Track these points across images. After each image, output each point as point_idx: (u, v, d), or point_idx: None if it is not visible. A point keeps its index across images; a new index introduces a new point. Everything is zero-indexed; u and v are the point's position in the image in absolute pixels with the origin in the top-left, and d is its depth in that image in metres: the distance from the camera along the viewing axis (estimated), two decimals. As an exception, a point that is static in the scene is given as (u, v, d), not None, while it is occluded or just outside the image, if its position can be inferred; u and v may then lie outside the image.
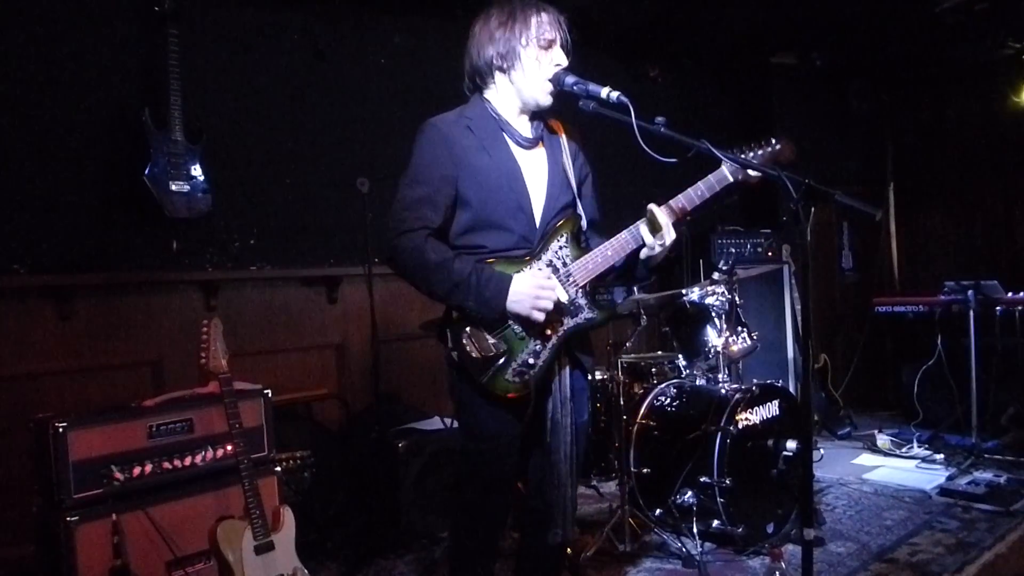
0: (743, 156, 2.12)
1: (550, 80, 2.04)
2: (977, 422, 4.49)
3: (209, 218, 3.48)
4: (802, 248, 1.85)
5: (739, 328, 3.64)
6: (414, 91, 4.27)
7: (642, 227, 2.07)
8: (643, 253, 2.10)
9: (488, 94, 2.13)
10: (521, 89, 2.07)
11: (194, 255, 3.59)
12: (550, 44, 2.05)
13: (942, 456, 4.49)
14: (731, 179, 2.07)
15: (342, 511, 3.56)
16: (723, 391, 3.42)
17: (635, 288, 3.89)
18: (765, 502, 3.29)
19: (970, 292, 4.62)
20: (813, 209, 1.80)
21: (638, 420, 3.55)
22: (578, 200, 2.16)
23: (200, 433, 2.65)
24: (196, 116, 3.43)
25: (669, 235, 2.04)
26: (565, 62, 2.06)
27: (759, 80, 6.03)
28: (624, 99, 1.94)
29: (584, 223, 2.16)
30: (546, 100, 2.08)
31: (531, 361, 2.00)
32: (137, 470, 2.48)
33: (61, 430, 2.35)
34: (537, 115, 2.17)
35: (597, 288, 2.16)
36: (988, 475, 4.09)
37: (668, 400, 3.61)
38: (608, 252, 2.07)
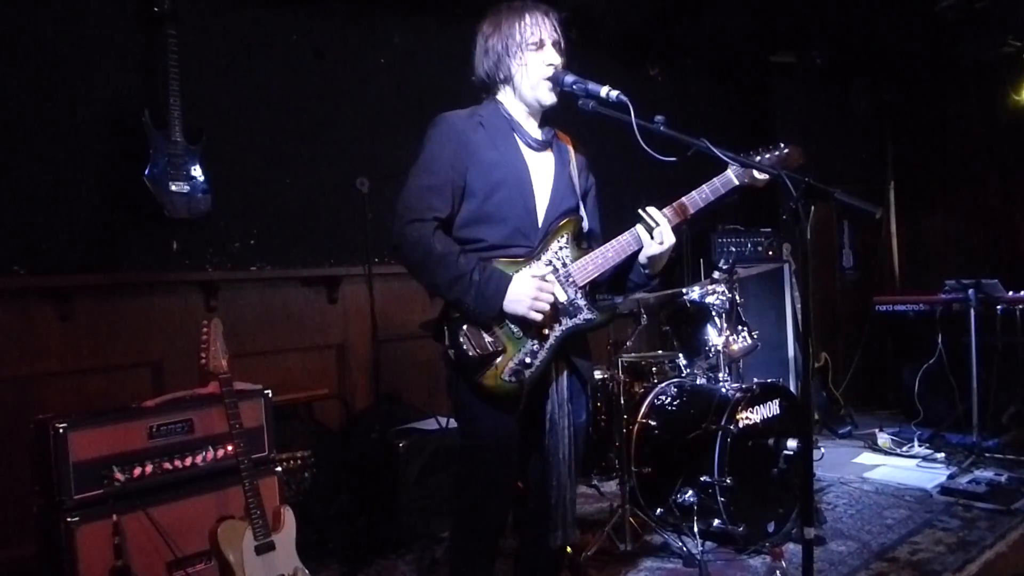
0: (750, 159, 2.12)
1: (548, 79, 2.05)
2: (978, 421, 4.49)
3: (209, 218, 3.48)
4: (802, 247, 1.84)
5: (739, 327, 3.64)
6: (414, 91, 4.27)
7: (640, 229, 2.07)
8: (642, 257, 2.10)
9: (500, 96, 2.16)
10: (523, 93, 2.10)
11: (194, 255, 3.59)
12: (540, 44, 2.06)
13: (943, 455, 4.49)
14: (736, 182, 2.07)
15: (343, 511, 3.56)
16: (724, 390, 3.42)
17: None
18: (766, 501, 3.29)
19: (971, 291, 4.61)
20: (813, 208, 1.80)
21: (639, 419, 3.55)
22: (581, 205, 2.17)
23: (200, 433, 2.65)
24: (196, 116, 3.43)
25: (668, 236, 2.04)
26: (557, 60, 2.07)
27: (759, 79, 6.03)
28: (623, 98, 1.94)
29: (585, 224, 2.17)
30: (548, 98, 2.08)
31: (528, 361, 2.00)
32: (137, 470, 2.48)
33: (61, 431, 2.35)
34: (547, 121, 2.18)
35: (597, 289, 2.16)
36: (989, 474, 4.09)
37: (669, 399, 3.61)
38: (608, 253, 2.07)
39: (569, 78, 2.03)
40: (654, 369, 4.15)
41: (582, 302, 2.07)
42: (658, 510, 3.42)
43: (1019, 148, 5.74)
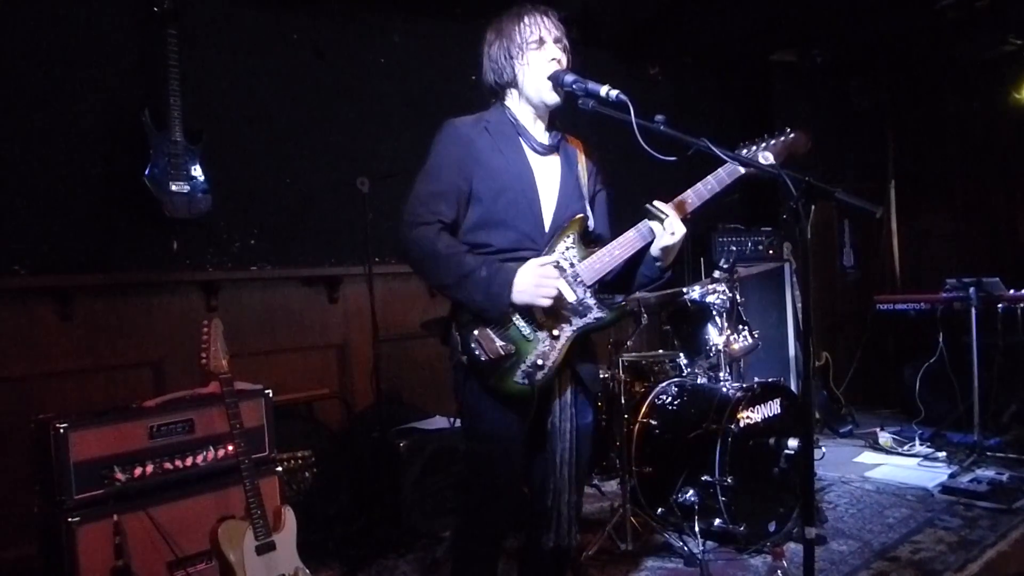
0: (755, 148, 2.11)
1: (549, 78, 2.05)
2: (979, 420, 4.49)
3: (209, 218, 3.48)
4: (803, 246, 1.83)
5: (740, 326, 3.64)
6: (414, 90, 4.26)
7: (651, 223, 2.07)
8: (654, 250, 2.09)
9: (507, 102, 2.17)
10: (528, 94, 2.10)
11: (194, 255, 3.59)
12: (540, 43, 2.07)
13: (944, 454, 4.49)
14: (742, 170, 2.06)
15: (343, 511, 3.55)
16: (724, 389, 3.42)
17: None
18: (767, 500, 3.29)
19: (972, 289, 4.61)
20: (814, 207, 1.79)
21: (639, 419, 3.55)
22: (588, 207, 2.17)
23: (201, 433, 2.65)
24: (196, 116, 3.43)
25: (677, 225, 2.04)
26: (560, 55, 2.07)
27: (760, 78, 6.03)
28: (623, 97, 1.94)
29: (591, 223, 2.16)
30: (552, 98, 2.08)
31: (539, 363, 1.99)
32: (138, 470, 2.48)
33: (62, 431, 2.35)
34: (555, 125, 2.18)
35: (605, 289, 2.15)
36: (990, 473, 4.09)
37: (669, 399, 3.61)
38: (616, 251, 2.07)
39: (569, 77, 2.03)
40: (655, 368, 4.15)
41: (591, 301, 2.06)
42: (659, 510, 3.42)
43: (1020, 146, 5.74)
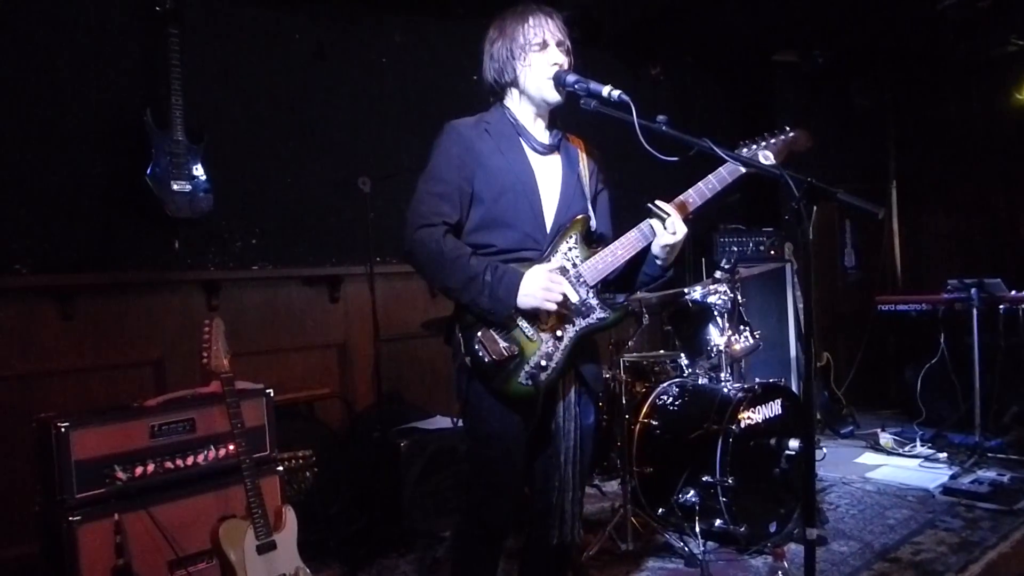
0: (755, 146, 2.11)
1: (551, 79, 2.05)
2: (980, 421, 4.49)
3: (211, 218, 3.48)
4: (804, 247, 1.84)
5: (741, 327, 3.64)
6: (415, 90, 4.27)
7: (652, 223, 2.07)
8: (655, 248, 2.10)
9: (507, 102, 2.17)
10: (530, 94, 2.11)
11: (196, 255, 3.60)
12: (543, 45, 2.07)
13: (945, 455, 4.49)
14: (743, 170, 2.06)
15: (344, 510, 3.56)
16: (725, 390, 3.41)
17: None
18: (768, 501, 3.29)
19: (973, 290, 4.61)
20: (815, 208, 1.79)
21: (640, 419, 3.55)
22: (590, 206, 2.17)
23: (202, 433, 2.65)
24: (197, 116, 3.43)
25: (679, 225, 2.04)
26: (561, 59, 2.07)
27: (761, 78, 6.02)
28: (625, 97, 1.94)
29: (594, 223, 2.16)
30: (554, 96, 2.08)
31: (543, 364, 2.00)
32: (139, 470, 2.48)
33: (64, 430, 2.35)
34: (555, 124, 2.19)
35: (607, 288, 2.16)
36: (991, 474, 4.09)
37: (670, 399, 3.61)
38: (618, 251, 2.07)
39: (571, 78, 2.03)
40: (656, 369, 4.14)
41: (594, 302, 2.06)
42: (660, 510, 3.41)
43: (1021, 147, 5.73)
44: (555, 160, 2.17)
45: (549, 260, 2.05)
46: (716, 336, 3.62)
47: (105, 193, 3.33)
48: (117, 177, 3.33)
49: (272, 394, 2.87)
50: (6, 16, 3.12)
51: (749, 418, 3.27)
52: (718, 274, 3.68)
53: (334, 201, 3.98)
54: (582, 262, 2.07)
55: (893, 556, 3.16)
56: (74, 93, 3.27)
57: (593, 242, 2.15)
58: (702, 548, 3.16)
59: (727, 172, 2.09)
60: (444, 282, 1.99)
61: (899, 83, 6.30)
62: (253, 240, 3.78)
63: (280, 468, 2.88)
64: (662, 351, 4.43)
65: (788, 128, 2.19)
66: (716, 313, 3.62)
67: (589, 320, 2.06)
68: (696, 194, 2.10)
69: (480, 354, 1.96)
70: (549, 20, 2.09)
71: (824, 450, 4.70)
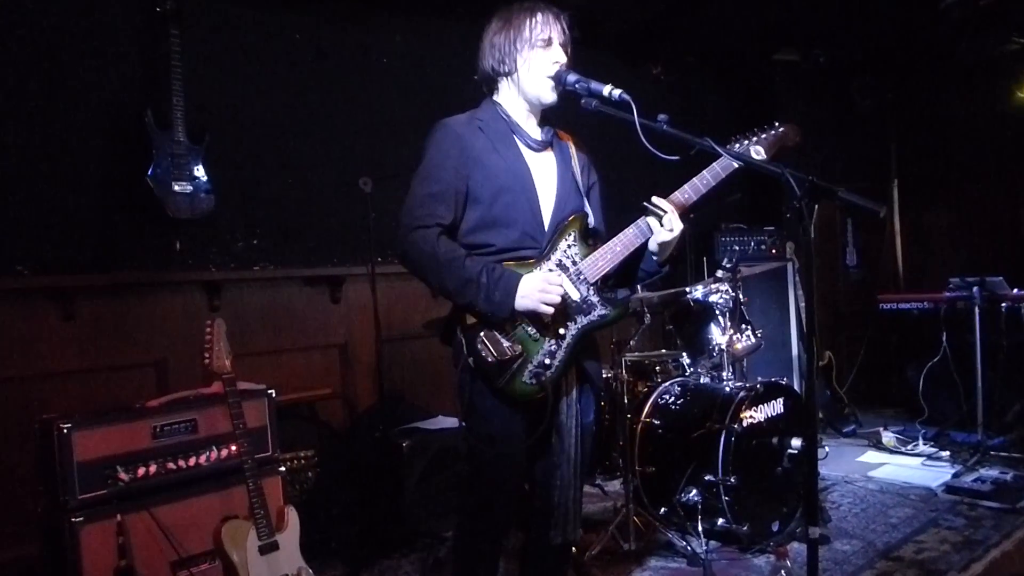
0: (746, 142, 2.12)
1: (551, 77, 2.05)
2: (983, 419, 4.48)
3: (212, 218, 3.48)
4: (806, 245, 1.84)
5: (743, 326, 3.63)
6: (416, 90, 4.27)
7: (649, 220, 2.07)
8: (652, 245, 2.10)
9: (498, 97, 2.16)
10: (525, 90, 2.10)
11: (197, 255, 3.60)
12: (548, 42, 2.07)
13: (947, 453, 4.48)
14: (736, 164, 2.06)
15: (346, 511, 3.55)
16: (727, 389, 3.41)
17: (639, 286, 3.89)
18: (770, 500, 3.29)
19: (975, 289, 4.61)
20: (817, 206, 1.80)
21: (642, 418, 3.55)
22: (587, 202, 2.17)
23: (204, 433, 2.65)
24: (199, 116, 3.43)
25: (676, 222, 2.05)
26: (563, 59, 2.07)
27: (762, 77, 6.02)
28: (626, 97, 1.94)
29: (591, 221, 2.16)
30: (549, 97, 2.08)
31: (547, 362, 2.00)
32: (141, 470, 2.48)
33: (66, 431, 2.35)
34: (547, 120, 2.18)
35: (606, 283, 2.16)
36: (994, 472, 4.08)
37: (672, 398, 3.61)
38: (617, 248, 2.08)
39: (572, 77, 2.03)
40: (658, 368, 4.15)
41: (595, 299, 2.07)
42: (662, 509, 3.41)
43: (1023, 145, 5.72)
44: (549, 157, 2.16)
45: (548, 258, 2.05)
46: (718, 335, 3.62)
47: (106, 194, 3.33)
48: (118, 178, 3.33)
49: (274, 394, 2.87)
50: (7, 17, 3.12)
51: (751, 417, 3.27)
52: (720, 273, 3.68)
53: (335, 201, 3.98)
54: (581, 259, 2.07)
55: (896, 555, 3.16)
56: (75, 94, 3.27)
57: (591, 239, 2.16)
58: (704, 547, 3.16)
59: (721, 167, 2.10)
60: (440, 284, 1.99)
61: (900, 82, 6.29)
62: (254, 240, 3.78)
63: (282, 468, 2.88)
64: (664, 350, 4.43)
65: (778, 123, 2.21)
66: (718, 312, 3.62)
67: (591, 317, 2.06)
68: (691, 190, 2.10)
69: (483, 354, 1.96)
70: (557, 20, 2.09)
71: (826, 449, 4.69)
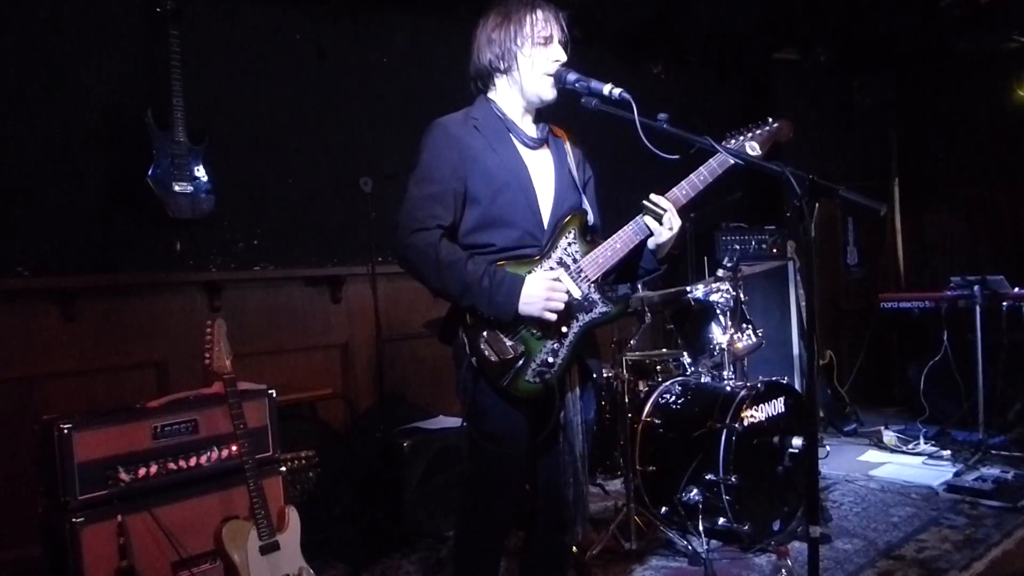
0: (741, 138, 2.13)
1: (551, 75, 2.04)
2: (984, 418, 4.48)
3: (212, 219, 3.48)
4: (807, 244, 1.84)
5: (744, 325, 3.63)
6: (416, 90, 4.26)
7: (647, 217, 2.07)
8: (651, 242, 2.11)
9: (492, 95, 2.14)
10: (524, 87, 2.08)
11: (198, 256, 3.60)
12: (547, 40, 2.06)
13: (949, 452, 4.48)
14: (732, 161, 2.07)
15: (347, 511, 3.56)
16: (728, 388, 3.41)
17: (639, 284, 3.88)
18: (771, 499, 3.29)
19: (976, 287, 4.60)
20: (817, 205, 1.79)
21: (643, 418, 3.55)
22: (584, 199, 2.17)
23: (205, 434, 2.65)
24: (199, 117, 3.43)
25: (675, 220, 2.05)
26: (563, 58, 2.07)
27: (762, 76, 6.01)
28: (626, 96, 1.94)
29: (591, 218, 2.16)
30: (548, 95, 2.08)
31: (550, 360, 2.00)
32: (142, 471, 2.48)
33: (66, 431, 2.35)
34: (541, 118, 2.18)
35: (606, 280, 2.16)
36: (995, 471, 4.08)
37: (673, 397, 3.61)
38: (617, 245, 2.08)
39: (572, 76, 2.02)
40: (658, 367, 4.15)
41: (596, 296, 2.07)
42: (663, 508, 3.41)
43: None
44: (545, 154, 2.15)
45: (549, 256, 2.05)
46: (719, 334, 3.62)
47: (107, 194, 3.34)
48: (118, 178, 3.33)
49: (274, 395, 2.86)
50: (7, 17, 3.12)
51: (752, 416, 3.27)
52: (720, 272, 3.68)
53: (335, 201, 3.97)
54: (582, 257, 2.07)
55: (897, 553, 3.15)
56: (75, 94, 3.28)
57: (590, 236, 2.15)
58: (705, 546, 3.16)
59: (717, 163, 2.10)
60: (442, 287, 1.98)
61: (901, 80, 6.28)
62: (255, 241, 3.78)
63: (283, 469, 2.88)
64: (664, 349, 4.43)
65: (772, 119, 2.21)
66: (718, 311, 3.61)
67: (592, 315, 2.06)
68: (689, 187, 2.10)
69: (486, 354, 1.95)
70: (556, 18, 2.08)
71: (827, 448, 4.69)
